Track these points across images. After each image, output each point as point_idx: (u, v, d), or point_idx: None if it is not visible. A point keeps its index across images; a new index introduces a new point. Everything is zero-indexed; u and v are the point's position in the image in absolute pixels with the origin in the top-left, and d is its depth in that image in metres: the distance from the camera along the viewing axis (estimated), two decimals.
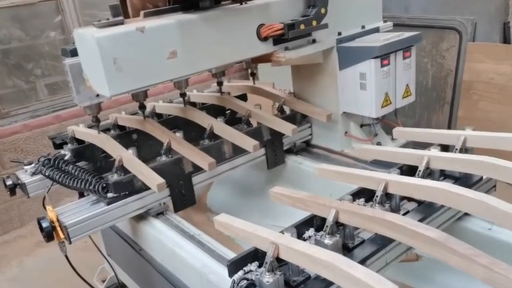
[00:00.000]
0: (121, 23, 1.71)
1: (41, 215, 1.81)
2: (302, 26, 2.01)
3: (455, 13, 4.16)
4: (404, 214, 1.51)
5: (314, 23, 2.05)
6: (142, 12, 1.83)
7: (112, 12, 1.81)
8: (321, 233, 1.37)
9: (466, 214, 1.73)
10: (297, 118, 2.46)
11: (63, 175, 2.02)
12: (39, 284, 3.73)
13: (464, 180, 1.69)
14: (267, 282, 1.19)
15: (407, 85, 2.36)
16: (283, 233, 1.27)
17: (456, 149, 1.69)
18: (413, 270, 1.87)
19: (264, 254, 1.28)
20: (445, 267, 1.81)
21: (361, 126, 2.48)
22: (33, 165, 2.24)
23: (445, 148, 1.78)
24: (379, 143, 2.42)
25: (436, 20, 4.23)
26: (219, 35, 1.88)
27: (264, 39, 2.02)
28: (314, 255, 1.09)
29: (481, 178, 1.72)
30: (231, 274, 1.26)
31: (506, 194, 1.42)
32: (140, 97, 2.11)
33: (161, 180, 1.75)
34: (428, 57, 4.30)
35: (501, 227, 1.66)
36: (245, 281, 1.20)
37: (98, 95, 1.97)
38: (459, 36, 4.09)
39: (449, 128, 4.22)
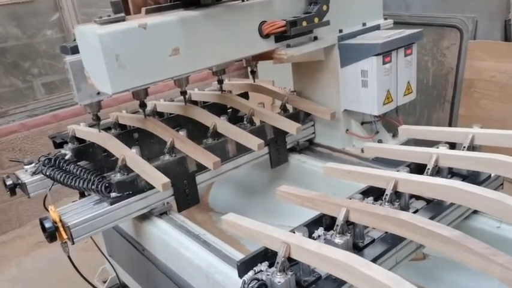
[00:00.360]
0: (123, 19, 1.68)
1: (40, 215, 1.78)
2: (304, 23, 2.00)
3: (456, 11, 4.15)
4: (414, 213, 1.49)
5: (316, 20, 2.04)
6: (143, 9, 1.81)
7: (113, 9, 1.78)
8: (331, 232, 1.35)
9: (474, 212, 1.72)
10: (300, 116, 2.44)
11: (64, 175, 1.99)
12: (39, 285, 3.71)
13: (472, 178, 1.68)
14: (279, 282, 1.17)
15: (408, 82, 2.36)
16: (294, 233, 1.25)
17: (464, 147, 1.68)
18: (420, 269, 1.85)
19: (273, 253, 1.26)
20: (452, 265, 1.81)
21: (362, 123, 2.47)
22: (33, 164, 2.21)
23: (451, 146, 1.76)
24: (380, 141, 2.41)
25: (436, 17, 4.22)
26: (221, 32, 1.86)
27: (266, 36, 2.01)
28: (328, 255, 1.07)
29: (489, 176, 1.71)
30: (241, 274, 1.24)
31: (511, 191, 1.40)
32: (141, 95, 2.09)
33: (166, 179, 1.73)
34: (428, 55, 4.29)
35: (509, 225, 1.64)
36: (256, 281, 1.18)
37: (98, 93, 1.95)
38: (460, 34, 4.08)
39: (449, 126, 4.21)
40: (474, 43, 4.07)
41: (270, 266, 1.26)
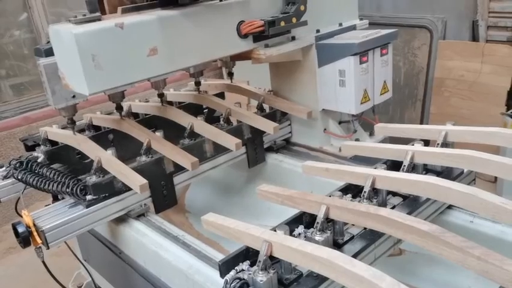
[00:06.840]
0: (98, 19, 1.66)
1: (10, 220, 1.73)
2: (282, 23, 2.02)
3: (426, 11, 4.25)
4: (391, 209, 1.51)
5: (294, 20, 2.06)
6: (120, 8, 1.78)
7: (89, 8, 1.75)
8: (311, 229, 1.36)
9: (448, 207, 1.76)
10: (276, 116, 2.45)
11: (37, 178, 1.93)
12: None
13: (446, 174, 1.72)
14: (261, 281, 1.17)
15: (384, 81, 2.40)
16: (276, 231, 1.25)
17: (438, 144, 1.71)
18: (397, 265, 1.88)
19: (254, 253, 1.26)
20: (428, 260, 1.85)
21: (340, 123, 2.50)
22: (4, 168, 2.15)
23: (425, 143, 1.80)
24: (357, 140, 2.44)
25: (407, 18, 4.32)
26: (199, 32, 1.86)
27: (244, 36, 2.01)
28: (312, 253, 1.07)
29: (462, 172, 1.75)
30: (222, 274, 1.23)
31: (481, 187, 1.44)
32: (117, 97, 2.06)
33: (144, 180, 1.70)
34: (400, 55, 4.39)
35: (482, 220, 1.69)
36: (238, 281, 1.18)
37: (73, 96, 1.91)
38: (430, 35, 4.19)
39: (421, 124, 4.31)
40: (444, 43, 4.18)
41: (252, 265, 1.25)
